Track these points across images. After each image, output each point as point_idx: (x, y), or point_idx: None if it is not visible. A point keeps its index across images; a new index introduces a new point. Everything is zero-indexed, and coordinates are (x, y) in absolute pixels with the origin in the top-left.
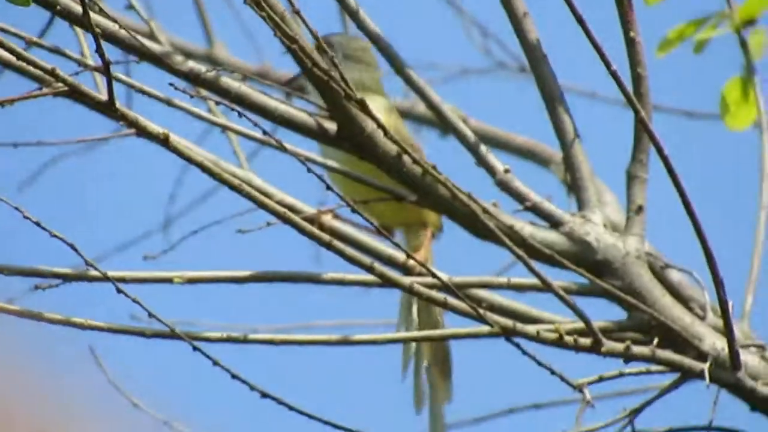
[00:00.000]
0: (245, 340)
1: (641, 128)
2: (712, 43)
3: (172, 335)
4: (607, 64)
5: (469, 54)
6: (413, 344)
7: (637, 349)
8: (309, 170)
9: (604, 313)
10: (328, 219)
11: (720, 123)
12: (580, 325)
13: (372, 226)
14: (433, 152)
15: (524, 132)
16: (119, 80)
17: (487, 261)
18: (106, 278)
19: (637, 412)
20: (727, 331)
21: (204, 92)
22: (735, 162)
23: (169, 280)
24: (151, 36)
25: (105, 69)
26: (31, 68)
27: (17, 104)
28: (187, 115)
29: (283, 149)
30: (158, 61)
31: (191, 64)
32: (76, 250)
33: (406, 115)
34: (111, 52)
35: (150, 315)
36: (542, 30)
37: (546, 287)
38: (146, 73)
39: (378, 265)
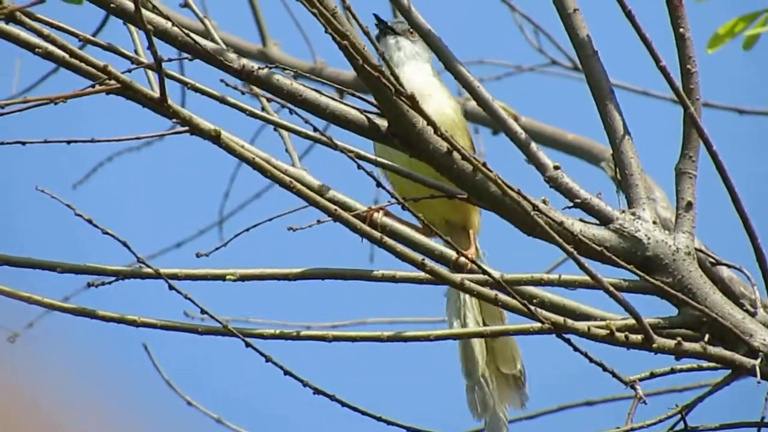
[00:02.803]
0: (298, 337)
1: (690, 124)
2: (763, 39)
3: (225, 332)
4: (656, 60)
5: (522, 51)
6: (478, 356)
7: (688, 346)
8: (359, 167)
9: (654, 309)
10: (379, 216)
11: None
12: (631, 321)
13: (421, 225)
14: (486, 149)
15: (577, 129)
16: (172, 77)
17: (537, 258)
18: (158, 275)
19: (688, 408)
20: None
21: (257, 90)
22: None
23: (221, 278)
24: (206, 34)
25: (157, 66)
26: (84, 66)
27: (71, 102)
28: (241, 114)
29: (334, 146)
30: (211, 58)
31: (244, 62)
32: (128, 247)
33: None
34: (165, 50)
35: (202, 311)
36: (593, 27)
37: (596, 284)
38: (200, 72)
39: (429, 262)
